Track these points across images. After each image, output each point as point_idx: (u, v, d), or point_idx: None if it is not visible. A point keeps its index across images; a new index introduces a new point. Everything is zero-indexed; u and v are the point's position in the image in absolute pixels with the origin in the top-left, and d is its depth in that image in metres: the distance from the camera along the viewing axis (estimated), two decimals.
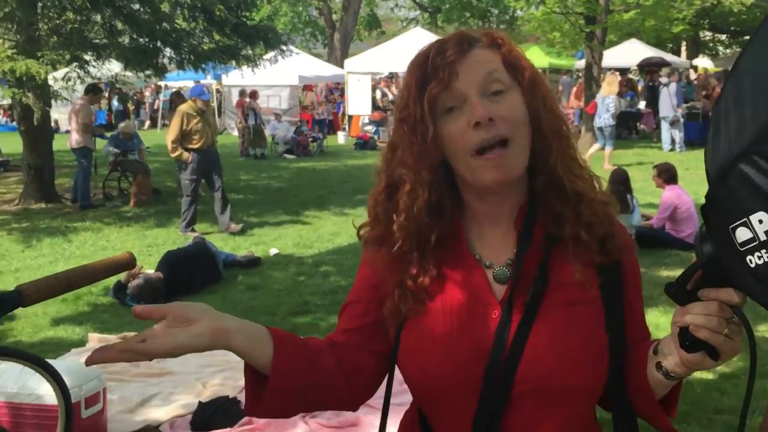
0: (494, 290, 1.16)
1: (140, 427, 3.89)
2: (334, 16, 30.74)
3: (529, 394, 1.10)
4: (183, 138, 8.44)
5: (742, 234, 0.88)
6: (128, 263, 1.38)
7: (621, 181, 7.44)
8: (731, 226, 0.89)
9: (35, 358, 2.98)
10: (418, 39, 21.78)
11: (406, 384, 1.21)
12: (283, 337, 1.14)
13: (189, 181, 8.69)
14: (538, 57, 22.64)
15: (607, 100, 13.30)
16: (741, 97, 0.88)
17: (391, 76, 21.41)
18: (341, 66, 22.86)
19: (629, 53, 21.50)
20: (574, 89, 19.29)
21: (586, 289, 1.13)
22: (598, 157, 12.89)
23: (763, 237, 0.86)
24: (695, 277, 0.98)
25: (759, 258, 0.87)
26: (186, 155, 8.48)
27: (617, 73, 17.64)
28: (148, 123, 24.45)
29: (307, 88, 23.03)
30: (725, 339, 0.96)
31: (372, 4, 36.77)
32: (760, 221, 0.86)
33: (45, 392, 3.25)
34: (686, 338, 0.98)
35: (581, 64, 18.74)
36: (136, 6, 10.09)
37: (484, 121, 1.08)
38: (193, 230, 8.71)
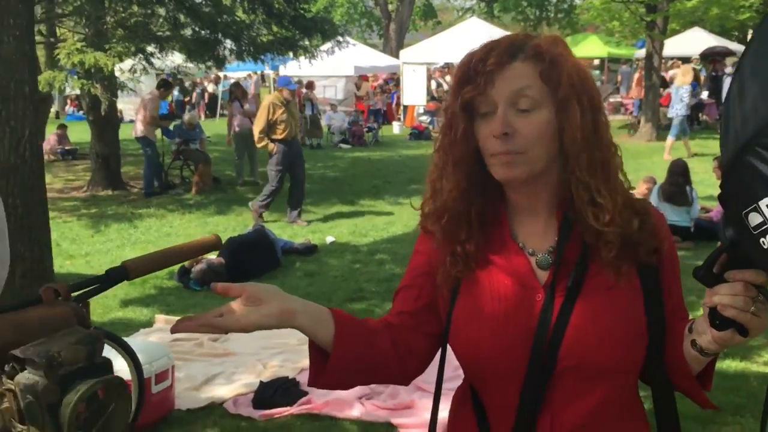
0: (538, 276, 1.25)
1: (205, 404, 4.08)
2: (390, 7, 30.78)
3: (570, 371, 1.20)
4: (269, 128, 8.47)
5: (754, 219, 0.96)
6: (215, 244, 1.50)
7: (680, 172, 7.35)
8: (744, 212, 0.96)
9: (115, 336, 3.17)
10: (473, 29, 21.68)
11: (458, 361, 1.31)
12: (343, 318, 1.25)
13: (275, 171, 8.78)
14: (596, 46, 22.29)
15: (681, 90, 13.09)
16: (744, 93, 0.96)
17: (446, 66, 21.38)
18: (396, 56, 22.92)
19: (692, 42, 20.96)
20: (635, 78, 18.93)
21: (624, 274, 1.21)
22: (678, 147, 12.73)
23: (755, 224, 0.94)
24: (721, 260, 1.06)
25: (761, 242, 0.95)
26: (271, 146, 8.55)
27: (680, 62, 17.25)
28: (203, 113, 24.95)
29: (362, 78, 23.19)
30: (752, 317, 1.04)
31: None
32: (761, 207, 0.94)
33: (121, 368, 3.44)
34: (716, 317, 1.06)
35: (641, 53, 18.39)
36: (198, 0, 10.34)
37: (500, 136, 1.18)
38: (261, 216, 8.87)
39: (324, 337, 1.22)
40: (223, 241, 6.99)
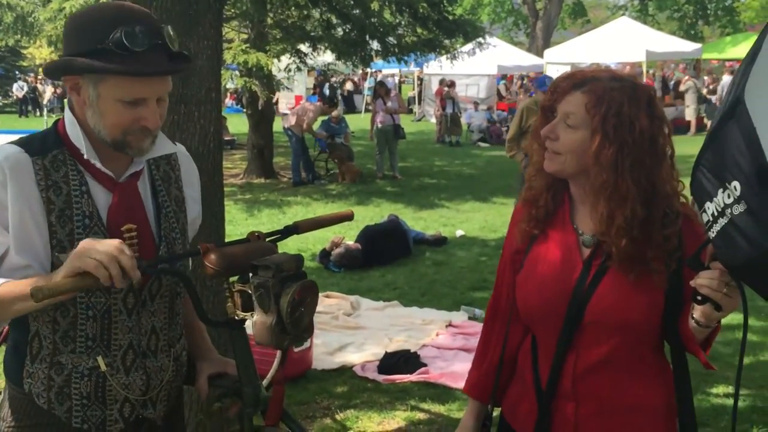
0: (582, 251, 1.67)
1: (338, 366, 4.68)
2: (538, 5, 30.60)
3: (592, 324, 1.62)
4: (520, 135, 7.20)
5: (704, 217, 1.35)
6: (349, 216, 2.06)
7: None
8: (700, 212, 1.35)
9: None
10: (623, 28, 21.22)
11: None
12: None
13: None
14: None
15: None
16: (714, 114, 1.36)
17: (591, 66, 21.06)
18: (542, 55, 22.88)
19: None
20: None
21: (650, 258, 1.58)
22: None
23: (711, 219, 1.32)
24: (709, 251, 1.42)
25: (713, 232, 1.33)
26: (520, 156, 7.23)
27: None
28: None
29: (508, 78, 23.33)
30: (723, 296, 1.40)
31: None
32: (708, 209, 1.32)
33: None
34: (696, 294, 1.44)
35: None
36: (350, 2, 11.08)
37: (548, 136, 1.64)
38: None
39: None
40: (361, 229, 7.65)
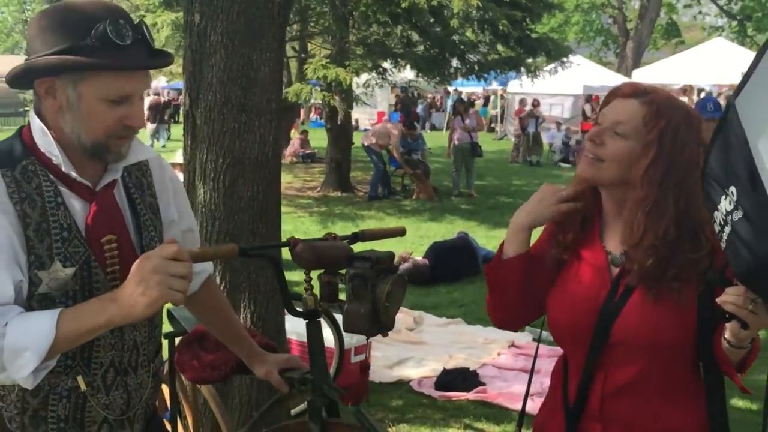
0: (611, 271, 1.63)
1: (395, 380, 4.67)
2: (629, 24, 29.94)
3: (619, 344, 1.58)
4: None
5: (716, 228, 1.30)
6: (401, 232, 2.15)
7: None
8: (712, 223, 1.31)
9: (330, 312, 3.86)
10: (718, 49, 20.53)
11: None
12: None
13: None
14: None
15: None
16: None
17: (685, 89, 20.44)
18: (631, 76, 22.34)
19: None
20: None
21: (672, 278, 1.53)
22: None
23: (720, 228, 1.27)
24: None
25: (723, 243, 1.28)
26: None
27: None
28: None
29: (593, 99, 22.84)
30: (748, 313, 1.33)
31: (673, 11, 34.98)
32: (716, 218, 1.29)
33: (327, 337, 4.16)
34: (723, 312, 1.37)
35: None
36: (431, 20, 11.15)
37: (592, 139, 1.59)
38: None
39: None
40: (429, 244, 7.64)
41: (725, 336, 1.44)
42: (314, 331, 1.87)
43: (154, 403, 1.74)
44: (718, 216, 1.27)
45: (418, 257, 7.38)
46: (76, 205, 1.48)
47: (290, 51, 15.82)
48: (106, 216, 1.51)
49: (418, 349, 5.31)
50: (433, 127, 25.43)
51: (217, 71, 2.85)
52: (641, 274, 1.55)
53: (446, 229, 9.67)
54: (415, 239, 9.06)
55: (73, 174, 1.46)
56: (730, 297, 1.35)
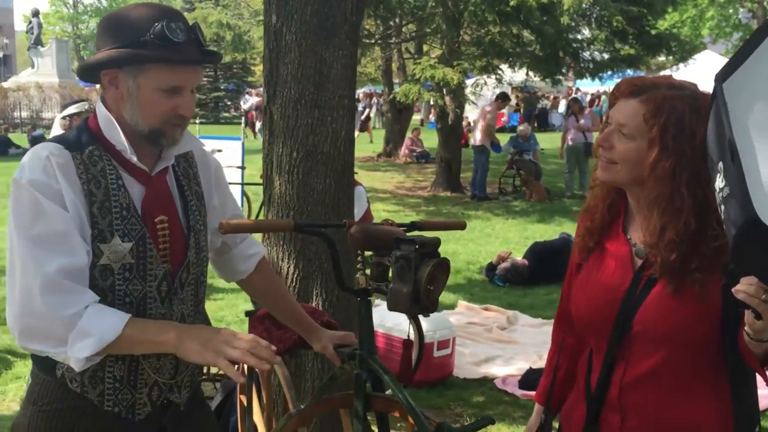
0: (634, 262, 1.61)
1: (479, 377, 4.68)
2: None
3: (639, 334, 1.56)
4: None
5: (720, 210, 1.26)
6: (461, 226, 2.20)
7: None
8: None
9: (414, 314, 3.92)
10: None
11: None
12: None
13: None
14: None
15: None
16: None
17: None
18: None
19: None
20: None
21: (696, 270, 1.49)
22: None
23: (720, 210, 1.23)
24: None
25: (724, 225, 1.24)
26: None
27: None
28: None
29: None
30: (761, 302, 1.28)
31: None
32: (717, 198, 1.25)
33: (407, 331, 4.23)
34: (738, 302, 1.32)
35: None
36: (543, 18, 10.97)
37: (602, 145, 1.59)
38: None
39: None
40: (529, 245, 7.54)
41: (745, 328, 1.39)
42: (364, 309, 1.95)
43: (200, 372, 1.89)
44: (717, 196, 1.24)
45: (518, 257, 7.31)
46: (134, 188, 1.65)
47: (406, 53, 16.04)
48: (159, 198, 1.68)
49: (507, 348, 5.28)
50: (545, 128, 24.91)
51: (292, 69, 2.98)
52: (664, 267, 1.53)
53: (553, 231, 9.48)
54: (520, 240, 8.97)
55: (134, 159, 1.63)
56: (742, 285, 1.31)
